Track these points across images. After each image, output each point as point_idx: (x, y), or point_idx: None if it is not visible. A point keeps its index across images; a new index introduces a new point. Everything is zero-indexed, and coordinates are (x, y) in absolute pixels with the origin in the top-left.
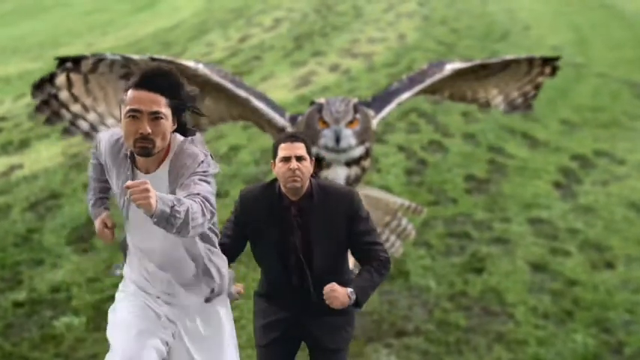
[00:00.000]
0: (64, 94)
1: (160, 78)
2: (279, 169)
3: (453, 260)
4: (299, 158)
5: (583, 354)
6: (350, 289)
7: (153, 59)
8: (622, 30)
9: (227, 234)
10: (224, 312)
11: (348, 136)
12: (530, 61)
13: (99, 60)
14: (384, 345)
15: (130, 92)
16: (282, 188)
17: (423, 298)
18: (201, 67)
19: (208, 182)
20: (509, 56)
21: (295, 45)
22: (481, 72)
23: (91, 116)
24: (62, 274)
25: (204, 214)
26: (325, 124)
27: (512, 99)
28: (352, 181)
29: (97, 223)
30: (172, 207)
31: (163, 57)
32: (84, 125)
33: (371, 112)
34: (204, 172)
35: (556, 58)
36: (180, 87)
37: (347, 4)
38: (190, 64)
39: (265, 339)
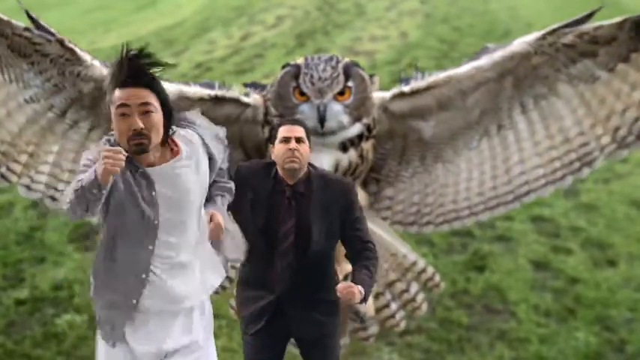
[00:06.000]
0: None
1: (145, 73)
2: (278, 150)
3: (455, 258)
4: (298, 140)
5: (585, 352)
6: (359, 286)
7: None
8: None
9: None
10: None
11: (338, 113)
12: None
13: None
14: (387, 343)
15: (116, 92)
16: (280, 170)
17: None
18: (97, 63)
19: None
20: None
21: (297, 43)
22: (587, 59)
23: None
24: (64, 272)
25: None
26: (304, 96)
27: None
28: (344, 174)
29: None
30: None
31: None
32: None
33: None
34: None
35: None
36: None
37: (349, 2)
38: (87, 57)
39: (251, 328)
